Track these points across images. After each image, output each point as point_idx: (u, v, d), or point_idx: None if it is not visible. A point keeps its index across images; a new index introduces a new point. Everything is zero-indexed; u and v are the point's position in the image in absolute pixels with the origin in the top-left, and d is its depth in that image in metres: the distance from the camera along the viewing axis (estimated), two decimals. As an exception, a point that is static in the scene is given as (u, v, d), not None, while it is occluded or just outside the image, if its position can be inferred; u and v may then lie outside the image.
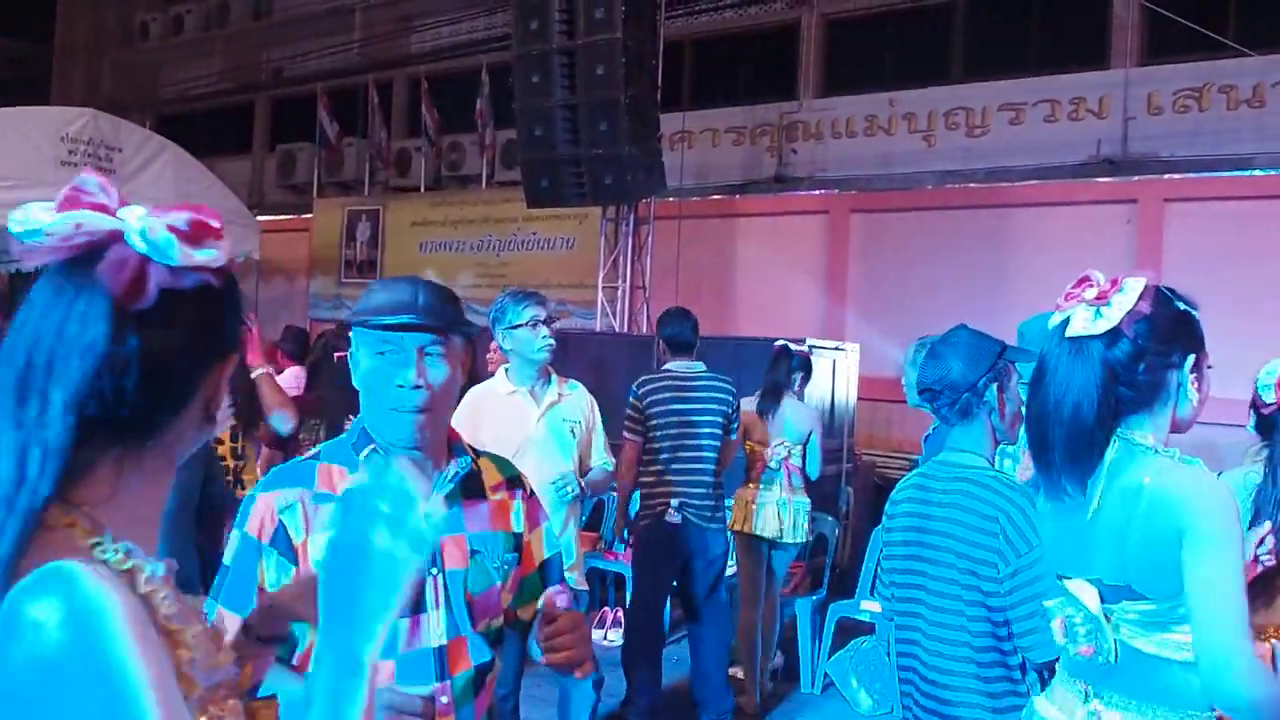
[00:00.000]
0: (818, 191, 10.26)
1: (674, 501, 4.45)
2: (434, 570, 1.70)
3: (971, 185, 9.38)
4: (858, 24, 10.53)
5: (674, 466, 4.46)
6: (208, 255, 0.91)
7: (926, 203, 9.51)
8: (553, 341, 3.61)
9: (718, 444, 4.53)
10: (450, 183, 12.22)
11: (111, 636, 0.80)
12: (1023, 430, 2.10)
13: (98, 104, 12.00)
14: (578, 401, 3.79)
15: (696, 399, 4.51)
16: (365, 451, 1.72)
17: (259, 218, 11.03)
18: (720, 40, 11.22)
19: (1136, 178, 8.61)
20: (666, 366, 4.57)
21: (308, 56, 14.12)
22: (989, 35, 9.79)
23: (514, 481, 1.88)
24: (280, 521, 1.66)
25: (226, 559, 1.70)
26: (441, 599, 1.70)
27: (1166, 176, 8.58)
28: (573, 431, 3.70)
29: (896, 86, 10.00)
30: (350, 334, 1.76)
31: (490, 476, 1.85)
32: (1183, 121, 8.52)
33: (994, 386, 2.28)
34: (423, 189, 11.95)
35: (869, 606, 4.95)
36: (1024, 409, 2.29)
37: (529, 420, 3.59)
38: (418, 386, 1.68)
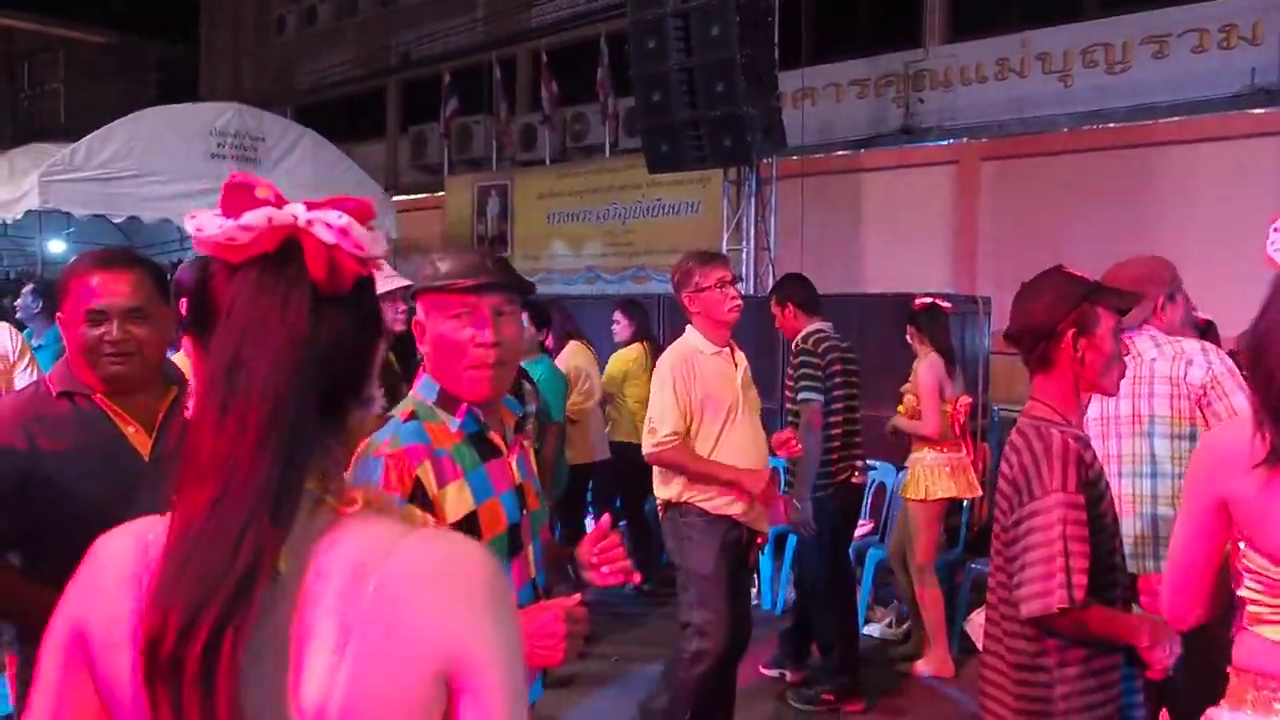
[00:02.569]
0: (947, 141, 9.95)
1: (858, 463, 4.48)
2: (523, 512, 1.87)
3: (1111, 126, 8.93)
4: (985, -37, 10.13)
5: (851, 428, 4.44)
6: (379, 245, 0.96)
7: (1062, 146, 9.11)
8: (740, 302, 3.56)
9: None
10: (575, 154, 12.37)
11: None
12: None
13: (241, 98, 12.63)
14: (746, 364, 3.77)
15: (850, 360, 4.46)
16: (462, 407, 1.82)
17: (394, 198, 11.41)
18: (841, -8, 10.96)
19: (1296, 106, 8.04)
20: (818, 328, 4.50)
21: (434, 38, 14.47)
22: (1127, -35, 9.26)
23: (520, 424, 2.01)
24: (416, 478, 1.74)
25: None
26: (529, 537, 1.87)
27: (1330, 103, 7.99)
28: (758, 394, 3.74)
29: (1028, 26, 9.59)
30: (414, 302, 1.86)
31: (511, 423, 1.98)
32: (1347, 42, 7.91)
33: (1072, 332, 2.09)
34: (548, 161, 12.13)
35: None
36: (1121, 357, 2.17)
37: (734, 381, 3.56)
38: (496, 344, 1.79)
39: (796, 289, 4.61)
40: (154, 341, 2.05)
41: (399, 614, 0.87)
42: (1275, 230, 1.61)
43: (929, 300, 4.97)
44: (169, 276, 2.28)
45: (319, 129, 10.34)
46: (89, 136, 8.50)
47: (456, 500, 1.76)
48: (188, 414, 2.01)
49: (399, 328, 3.75)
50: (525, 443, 1.97)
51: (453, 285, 1.80)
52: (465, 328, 1.79)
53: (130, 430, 2.03)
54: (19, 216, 8.43)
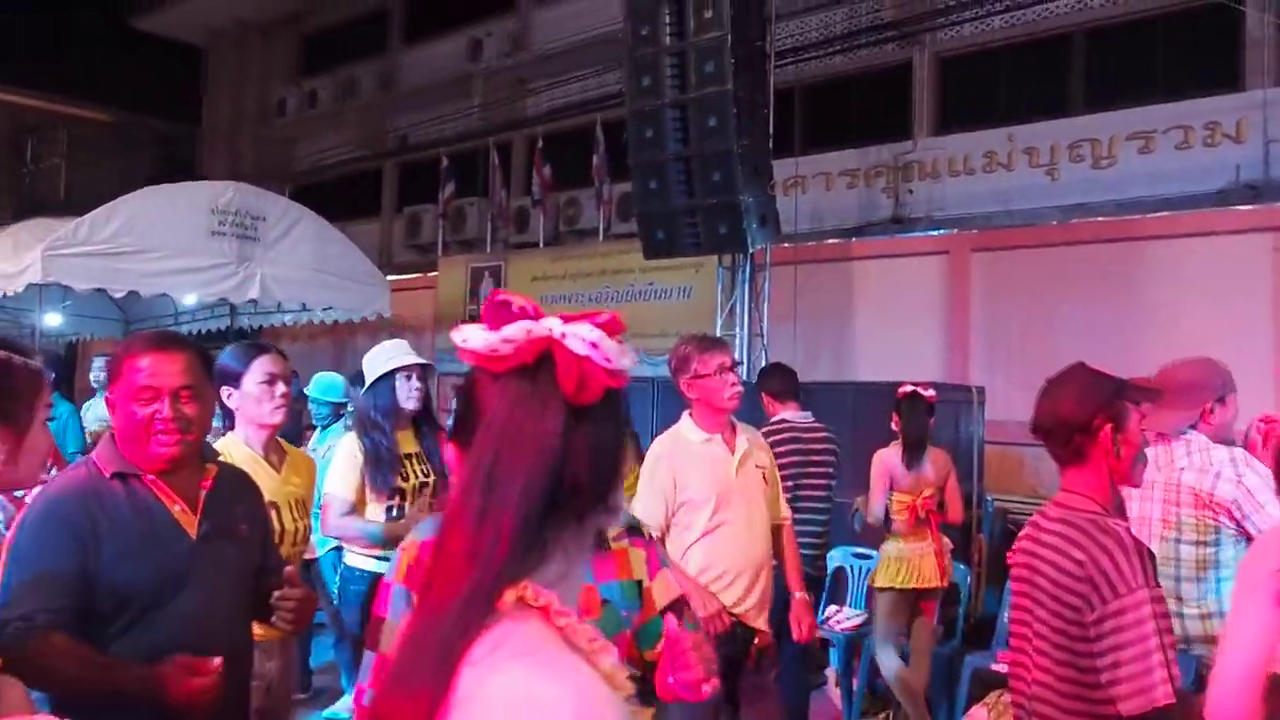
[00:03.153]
0: (936, 232, 10.10)
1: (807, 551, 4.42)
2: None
3: (1099, 219, 9.08)
4: (971, 59, 10.39)
5: (805, 514, 4.43)
6: (628, 359, 1.01)
7: (1051, 239, 9.24)
8: (740, 388, 3.49)
9: (829, 494, 4.50)
10: (569, 237, 12.50)
11: None
12: None
13: (240, 176, 12.78)
14: (758, 446, 3.65)
15: (813, 449, 4.49)
16: None
17: (388, 277, 11.48)
18: (831, 84, 11.22)
19: None
20: (782, 417, 4.56)
21: (431, 123, 14.72)
22: (1111, 62, 9.52)
23: (633, 529, 1.92)
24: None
25: (382, 611, 1.78)
26: None
27: (1312, 201, 8.15)
28: (764, 478, 3.59)
29: (1015, 121, 9.80)
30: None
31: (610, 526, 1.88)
32: (1327, 142, 8.11)
33: (1109, 426, 2.16)
34: (542, 244, 12.25)
35: (1005, 659, 4.79)
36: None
37: (729, 468, 3.46)
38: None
39: (769, 379, 4.78)
40: (202, 420, 2.13)
41: None
42: None
43: (910, 389, 5.04)
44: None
45: (315, 207, 10.44)
46: (93, 212, 8.54)
47: None
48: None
49: (413, 406, 3.77)
50: (620, 546, 1.87)
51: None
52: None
53: (177, 509, 2.11)
54: (20, 290, 8.45)
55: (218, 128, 18.47)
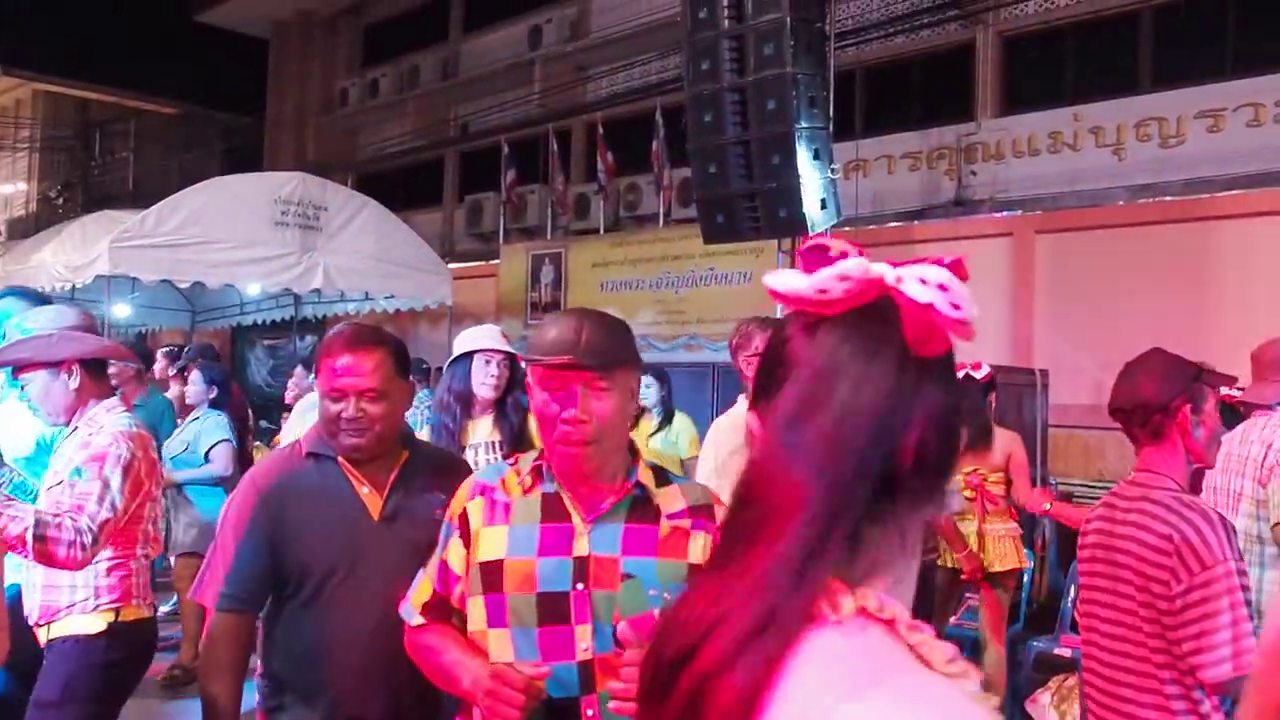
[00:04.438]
0: (1000, 214, 9.97)
1: None
2: (579, 586, 1.75)
3: (1167, 199, 8.90)
4: (1036, 38, 10.22)
5: None
6: (971, 309, 0.82)
7: (1118, 220, 9.08)
8: None
9: None
10: (629, 223, 12.54)
11: None
12: None
13: (304, 167, 13.01)
14: None
15: None
16: (529, 466, 1.86)
17: (450, 265, 11.63)
18: (892, 66, 11.11)
19: (1355, 181, 7.96)
20: None
21: (492, 111, 14.85)
22: (1179, 39, 9.30)
23: (704, 511, 1.84)
24: (465, 510, 1.85)
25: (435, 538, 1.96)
26: (589, 615, 1.74)
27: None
28: None
29: (1080, 100, 9.64)
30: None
31: (671, 503, 1.84)
32: None
33: (1187, 408, 2.26)
34: (602, 230, 12.31)
35: (1069, 643, 4.76)
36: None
37: None
38: (582, 421, 1.75)
39: None
40: (388, 416, 2.26)
41: None
42: None
43: (963, 371, 5.01)
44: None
45: (377, 197, 10.60)
46: (158, 204, 8.77)
47: (490, 544, 1.80)
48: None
49: (487, 393, 3.63)
50: (679, 525, 1.82)
51: (544, 361, 1.78)
52: (553, 403, 1.77)
53: (365, 491, 2.26)
54: (89, 281, 8.70)
55: (281, 119, 18.80)
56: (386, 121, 17.03)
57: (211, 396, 5.89)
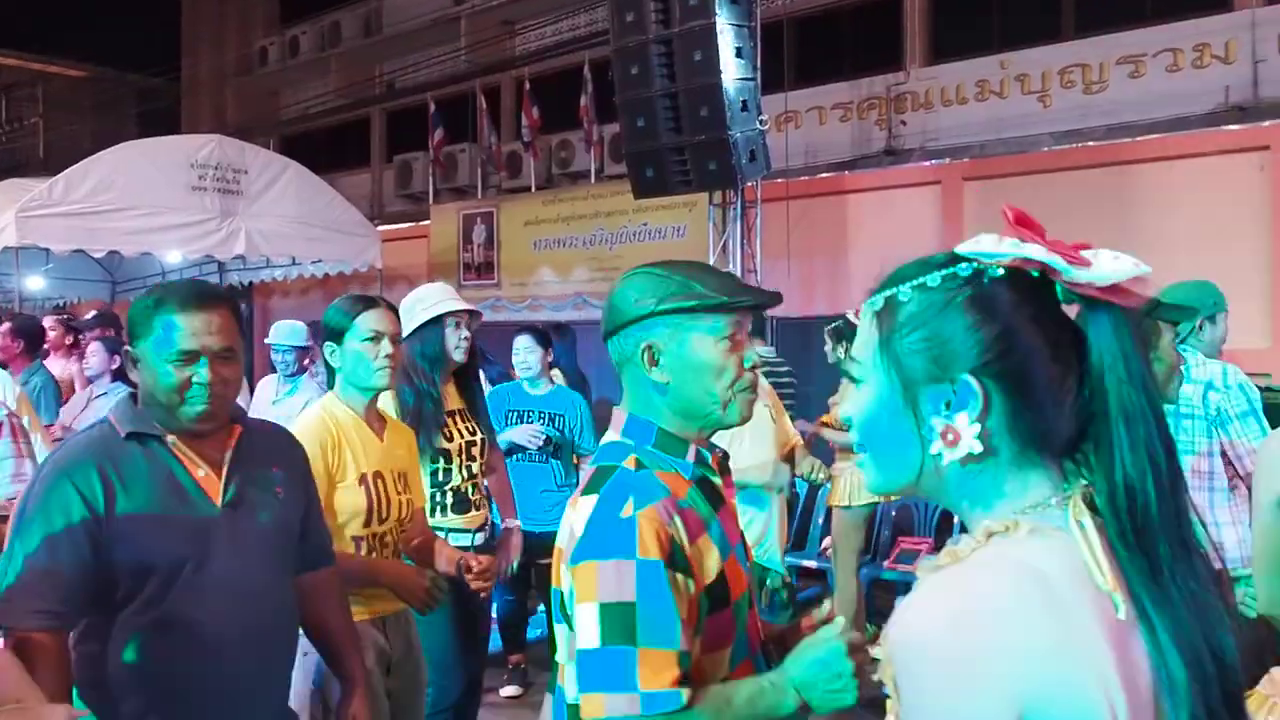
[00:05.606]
0: (929, 162, 10.03)
1: None
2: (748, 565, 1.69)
3: (1091, 144, 9.02)
4: (962, -12, 10.26)
5: None
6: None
7: (1044, 165, 9.19)
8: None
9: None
10: (561, 180, 12.40)
11: None
12: None
13: (224, 130, 12.63)
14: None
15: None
16: (691, 449, 1.61)
17: (380, 227, 11.40)
18: (821, 16, 11.07)
19: (1268, 123, 8.13)
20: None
21: (418, 68, 14.52)
22: (1102, -13, 9.39)
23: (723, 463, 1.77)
24: (671, 537, 1.48)
25: (629, 595, 1.44)
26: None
27: (1304, 118, 8.09)
28: (772, 417, 3.71)
29: (1007, 48, 9.71)
30: (658, 324, 1.60)
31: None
32: (1320, 59, 8.03)
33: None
34: (534, 188, 12.16)
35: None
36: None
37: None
38: (756, 366, 1.62)
39: None
40: (237, 380, 2.01)
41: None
42: None
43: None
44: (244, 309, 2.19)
45: (302, 159, 10.32)
46: (67, 171, 8.41)
47: (709, 558, 1.52)
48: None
49: (461, 356, 3.48)
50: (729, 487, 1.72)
51: (733, 304, 1.58)
52: (732, 351, 1.58)
53: (201, 474, 1.98)
54: (-3, 252, 8.35)
55: (198, 81, 18.21)
56: (309, 81, 16.57)
57: (114, 368, 5.22)
